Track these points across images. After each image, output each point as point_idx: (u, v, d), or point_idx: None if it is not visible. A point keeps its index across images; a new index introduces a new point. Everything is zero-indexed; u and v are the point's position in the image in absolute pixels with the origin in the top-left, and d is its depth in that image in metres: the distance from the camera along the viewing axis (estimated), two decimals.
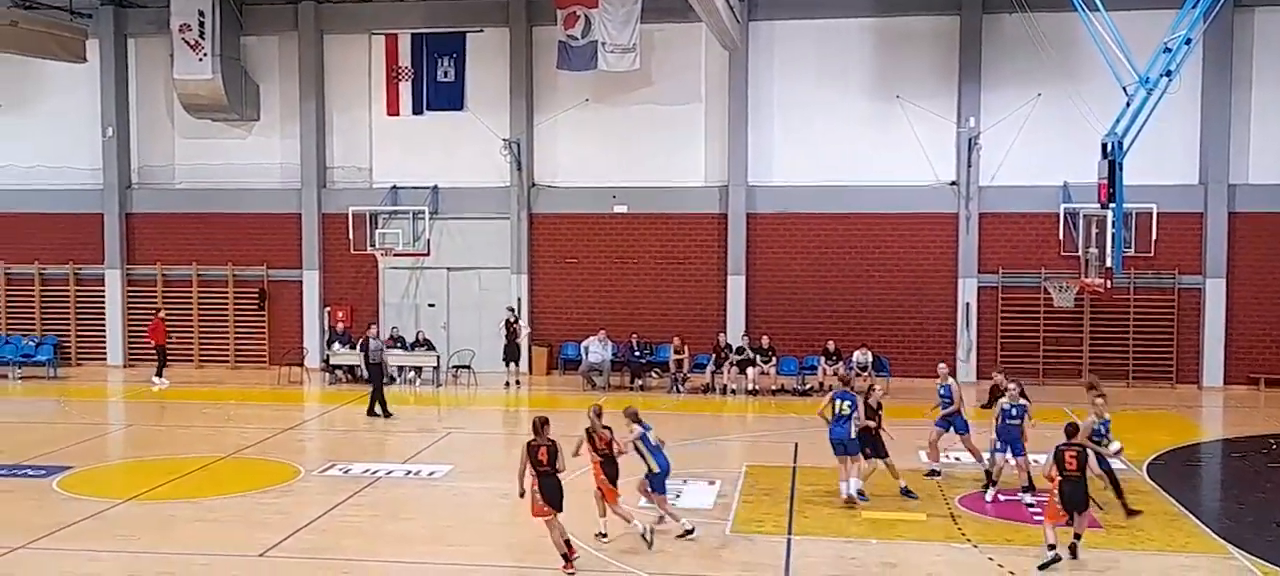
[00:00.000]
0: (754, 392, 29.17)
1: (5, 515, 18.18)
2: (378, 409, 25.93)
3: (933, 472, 20.14)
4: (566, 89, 32.03)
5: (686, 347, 30.43)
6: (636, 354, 30.72)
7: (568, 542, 15.32)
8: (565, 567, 15.15)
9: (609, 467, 16.53)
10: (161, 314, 32.18)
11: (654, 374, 30.68)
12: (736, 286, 31.72)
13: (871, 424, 18.81)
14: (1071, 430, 15.90)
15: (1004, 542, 16.44)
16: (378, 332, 27.43)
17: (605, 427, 16.52)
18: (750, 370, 29.58)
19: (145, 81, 33.84)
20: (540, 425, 15.73)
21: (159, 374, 30.96)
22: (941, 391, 20.29)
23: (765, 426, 25.82)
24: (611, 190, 32.11)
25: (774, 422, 26.27)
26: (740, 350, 30.12)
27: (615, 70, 30.54)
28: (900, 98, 31.18)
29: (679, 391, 29.66)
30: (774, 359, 29.87)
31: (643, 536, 16.18)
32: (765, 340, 30.12)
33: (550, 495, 15.34)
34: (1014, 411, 18.61)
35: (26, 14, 30.62)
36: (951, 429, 20.14)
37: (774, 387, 29.52)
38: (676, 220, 32.02)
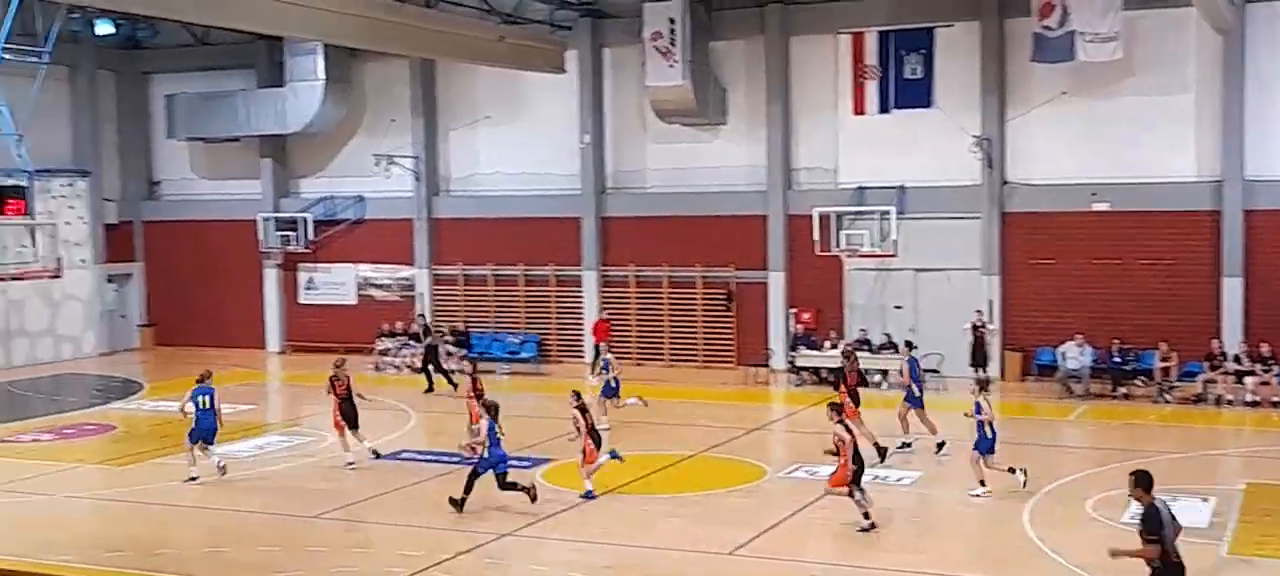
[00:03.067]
0: (1254, 404, 26.80)
1: (495, 503, 19.09)
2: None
3: (904, 445, 22.20)
4: (1041, 82, 30.54)
5: (1174, 354, 28.29)
6: (1117, 360, 28.91)
7: (373, 452, 21.70)
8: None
9: (346, 408, 21.74)
10: (605, 315, 33.41)
11: (1138, 382, 28.76)
12: (1232, 289, 29.19)
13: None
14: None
15: None
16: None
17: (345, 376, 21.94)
18: (1248, 379, 27.20)
19: (619, 89, 35.02)
20: (339, 365, 22.13)
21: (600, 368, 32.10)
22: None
23: (1267, 441, 23.69)
24: (1090, 187, 30.32)
25: (1277, 437, 24.07)
26: (1237, 358, 27.76)
27: (1094, 60, 28.75)
28: None
29: (1166, 400, 27.69)
30: (1276, 368, 27.35)
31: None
32: (1265, 348, 27.56)
33: (347, 414, 21.64)
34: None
35: (512, 29, 32.41)
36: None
37: (1275, 399, 27.01)
38: (1163, 218, 29.85)
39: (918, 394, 22.90)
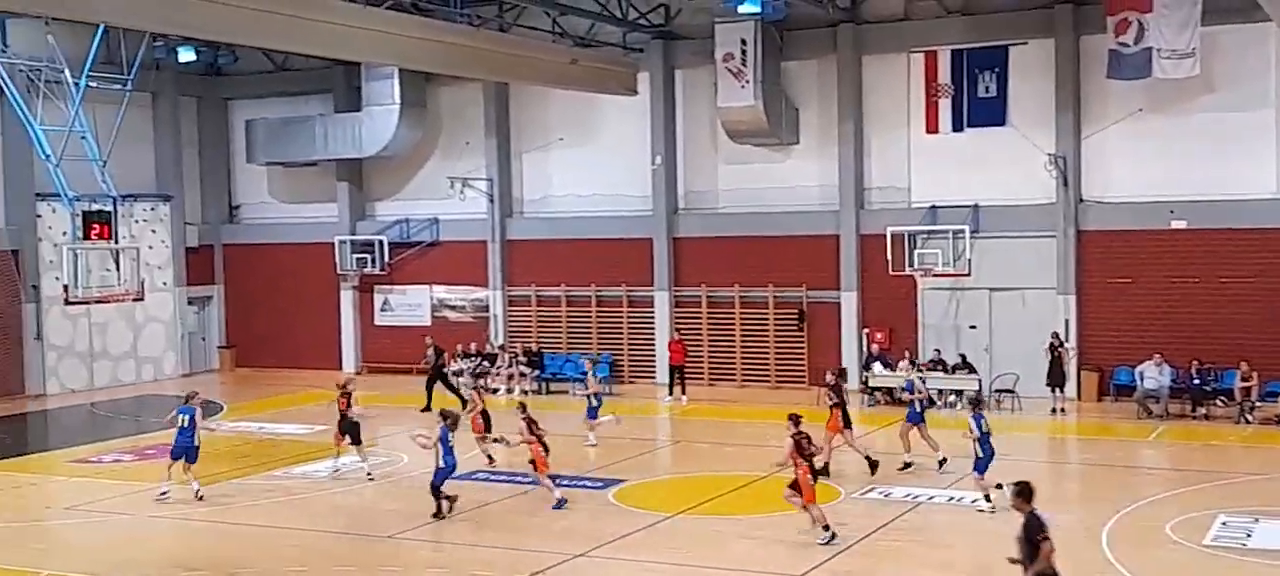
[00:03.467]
0: None
1: (567, 524, 19.22)
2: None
3: (906, 465, 22.37)
4: (1117, 99, 30.25)
5: (1255, 374, 27.80)
6: (1197, 380, 28.49)
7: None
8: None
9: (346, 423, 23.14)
10: (677, 335, 33.66)
11: (1218, 402, 28.33)
12: None
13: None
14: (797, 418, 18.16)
15: None
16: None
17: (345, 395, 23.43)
18: None
19: (691, 110, 35.07)
20: (346, 383, 23.99)
21: (678, 390, 32.42)
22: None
23: None
24: (1168, 205, 29.96)
25: None
26: None
27: (1171, 77, 28.50)
28: None
29: (1247, 421, 27.22)
30: None
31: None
32: None
33: (348, 429, 23.03)
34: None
35: (585, 52, 32.61)
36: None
37: None
38: (1243, 236, 29.36)
39: (919, 411, 23.14)
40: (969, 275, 31.35)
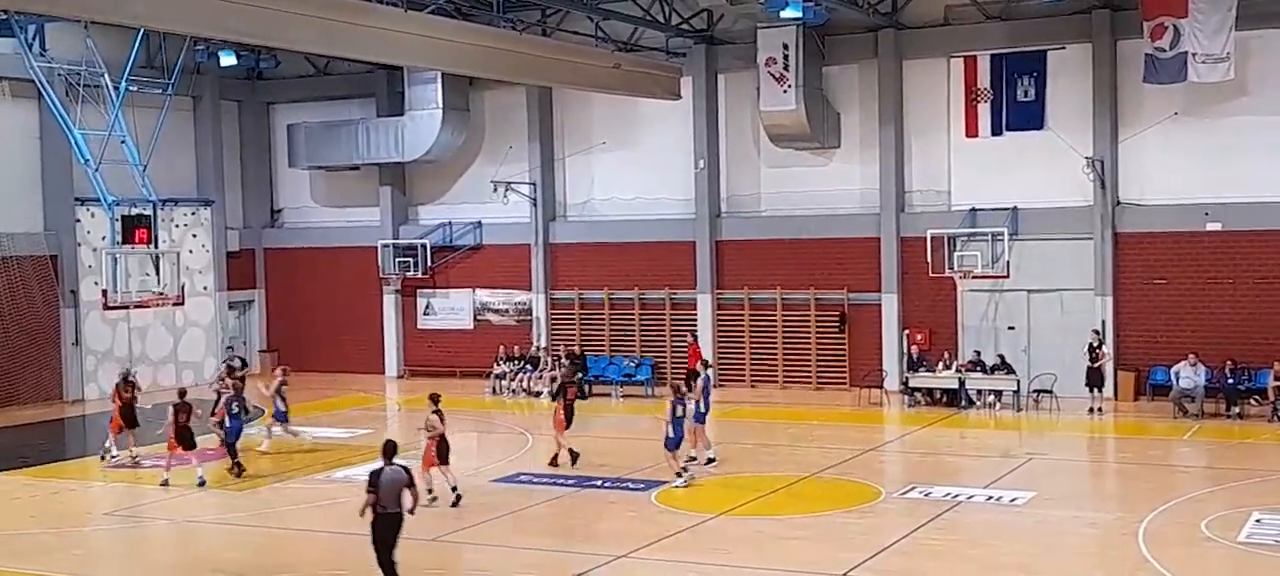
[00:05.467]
0: None
1: (609, 525, 19.51)
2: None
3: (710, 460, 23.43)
4: (1153, 103, 30.38)
5: None
6: (1231, 380, 28.59)
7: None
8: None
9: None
10: (694, 338, 33.91)
11: (1252, 401, 28.44)
12: None
13: None
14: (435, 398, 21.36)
15: None
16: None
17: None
18: None
19: (733, 114, 35.33)
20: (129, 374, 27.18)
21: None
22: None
23: None
24: (1203, 207, 30.09)
25: None
26: None
27: (1207, 81, 28.64)
28: None
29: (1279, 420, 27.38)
30: None
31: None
32: None
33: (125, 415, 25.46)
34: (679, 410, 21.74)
35: (628, 56, 32.94)
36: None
37: None
38: (1277, 237, 29.45)
39: (704, 411, 23.84)
40: (1008, 277, 31.56)
